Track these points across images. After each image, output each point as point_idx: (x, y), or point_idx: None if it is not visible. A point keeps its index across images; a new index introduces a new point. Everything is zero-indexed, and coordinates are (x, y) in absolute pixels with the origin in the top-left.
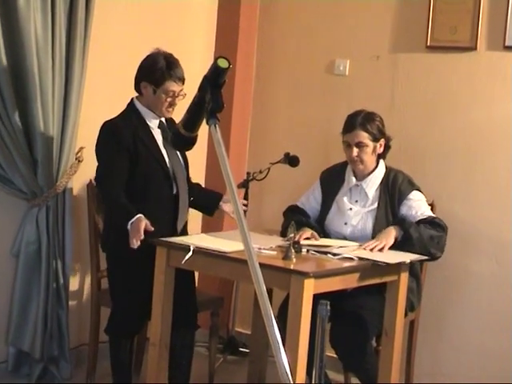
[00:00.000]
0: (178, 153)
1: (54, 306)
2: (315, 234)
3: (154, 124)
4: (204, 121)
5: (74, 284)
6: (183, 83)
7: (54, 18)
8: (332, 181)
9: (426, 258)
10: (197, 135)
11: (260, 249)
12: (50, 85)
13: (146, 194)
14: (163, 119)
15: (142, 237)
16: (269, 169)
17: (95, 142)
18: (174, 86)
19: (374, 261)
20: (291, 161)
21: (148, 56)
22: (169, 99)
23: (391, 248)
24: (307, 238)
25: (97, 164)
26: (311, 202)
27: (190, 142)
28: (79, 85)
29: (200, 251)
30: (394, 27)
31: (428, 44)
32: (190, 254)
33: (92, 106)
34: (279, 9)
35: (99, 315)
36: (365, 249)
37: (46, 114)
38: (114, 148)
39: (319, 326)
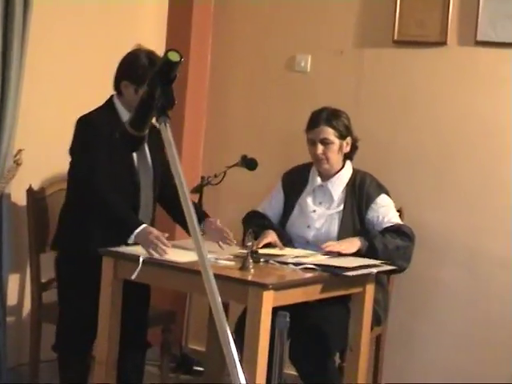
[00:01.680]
0: (150, 158)
1: None
2: (277, 240)
3: None
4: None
5: (12, 298)
6: None
7: None
8: (295, 182)
9: (392, 268)
10: (145, 135)
11: (217, 259)
12: None
13: None
14: None
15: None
16: (225, 173)
17: (36, 144)
18: None
19: (335, 268)
20: (248, 164)
21: (129, 53)
22: None
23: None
24: (269, 244)
25: (71, 162)
26: (273, 206)
27: (138, 142)
28: (17, 85)
29: (150, 262)
30: (358, 20)
31: (395, 38)
32: (140, 267)
33: (32, 106)
34: (236, 1)
35: (40, 332)
36: (324, 249)
37: None
38: (95, 141)
39: (278, 339)
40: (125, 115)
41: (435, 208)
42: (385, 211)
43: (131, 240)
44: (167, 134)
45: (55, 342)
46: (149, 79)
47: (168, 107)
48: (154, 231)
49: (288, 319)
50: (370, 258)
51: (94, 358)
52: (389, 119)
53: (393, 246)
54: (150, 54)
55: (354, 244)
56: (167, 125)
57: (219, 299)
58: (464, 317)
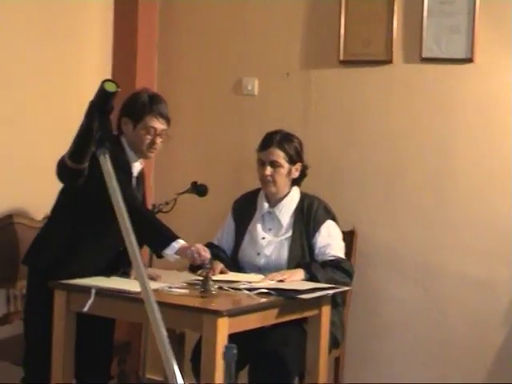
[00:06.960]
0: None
1: None
2: (225, 268)
3: (135, 169)
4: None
5: None
6: (167, 123)
7: None
8: (244, 209)
9: (345, 289)
10: (86, 167)
11: (170, 287)
12: None
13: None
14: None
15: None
16: (175, 200)
17: None
18: (154, 122)
19: (290, 292)
20: (199, 190)
21: (132, 93)
22: (149, 136)
23: None
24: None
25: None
26: (225, 235)
27: (78, 175)
28: None
29: (103, 293)
30: (304, 42)
31: (341, 58)
32: (92, 299)
33: None
34: (180, 24)
35: None
36: (270, 279)
37: None
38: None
39: (226, 372)
40: (130, 156)
41: (388, 224)
42: (329, 241)
43: (172, 250)
44: (107, 165)
45: (24, 375)
46: (86, 110)
47: (106, 139)
48: (195, 245)
49: (235, 351)
50: None
51: None
52: (338, 139)
53: (333, 281)
54: (152, 93)
55: (298, 274)
56: (106, 157)
57: (163, 329)
58: (419, 332)
